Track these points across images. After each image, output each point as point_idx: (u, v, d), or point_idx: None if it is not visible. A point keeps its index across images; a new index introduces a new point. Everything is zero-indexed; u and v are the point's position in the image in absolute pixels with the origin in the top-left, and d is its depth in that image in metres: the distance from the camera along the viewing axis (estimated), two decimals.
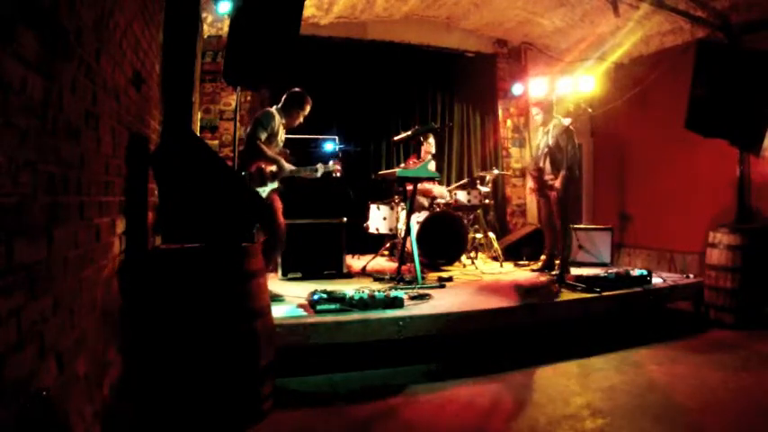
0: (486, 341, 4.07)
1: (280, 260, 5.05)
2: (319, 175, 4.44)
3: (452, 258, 6.07)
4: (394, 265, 5.62)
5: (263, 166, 4.08)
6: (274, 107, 4.34)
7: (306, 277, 5.09)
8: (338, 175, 4.58)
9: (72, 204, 1.74)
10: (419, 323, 3.70)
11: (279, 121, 4.24)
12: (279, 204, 4.19)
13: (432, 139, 6.37)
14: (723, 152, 5.48)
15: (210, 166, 2.95)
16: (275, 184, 4.17)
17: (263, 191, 4.08)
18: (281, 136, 4.33)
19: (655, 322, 4.98)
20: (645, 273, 4.97)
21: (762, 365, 3.81)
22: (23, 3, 1.29)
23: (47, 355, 1.47)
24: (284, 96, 4.40)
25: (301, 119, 4.44)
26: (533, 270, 5.82)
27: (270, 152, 4.10)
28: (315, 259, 5.25)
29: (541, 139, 5.64)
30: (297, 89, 4.42)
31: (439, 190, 6.52)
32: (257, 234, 4.45)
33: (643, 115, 7.07)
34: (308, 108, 4.41)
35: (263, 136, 4.09)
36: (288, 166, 4.22)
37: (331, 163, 4.57)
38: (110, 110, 2.19)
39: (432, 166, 5.82)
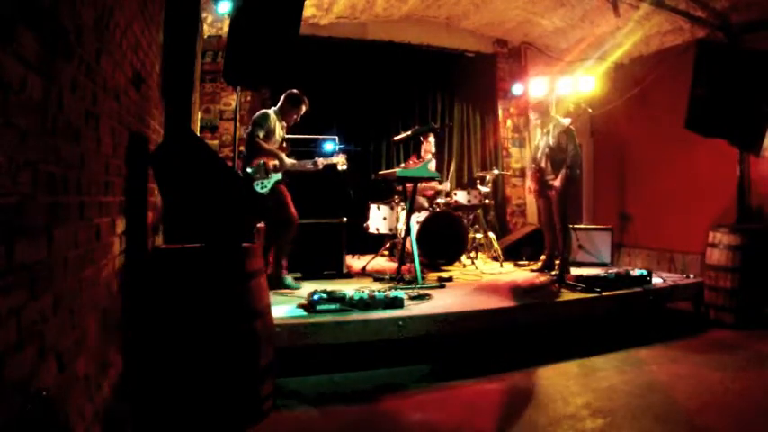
0: (485, 341, 4.07)
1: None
2: (321, 167, 4.66)
3: (452, 258, 6.07)
4: (394, 265, 5.62)
5: (265, 160, 4.35)
6: (272, 108, 4.59)
7: (306, 277, 5.09)
8: (344, 167, 4.78)
9: (72, 204, 1.74)
10: (419, 323, 3.70)
11: (275, 120, 4.50)
12: (287, 194, 4.45)
13: (432, 138, 6.39)
14: (723, 152, 5.48)
15: (210, 166, 2.95)
16: (279, 176, 4.43)
17: (268, 182, 4.33)
18: (279, 134, 4.55)
19: (655, 322, 4.98)
20: (645, 273, 4.97)
21: (762, 365, 3.81)
22: (23, 3, 1.29)
23: (47, 355, 1.47)
24: (282, 97, 4.62)
25: (297, 117, 4.66)
26: (533, 270, 5.82)
27: (268, 147, 4.40)
28: (315, 259, 5.25)
29: (541, 139, 5.63)
30: (294, 91, 4.63)
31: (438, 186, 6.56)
32: (265, 226, 4.63)
33: (643, 115, 7.07)
34: (303, 108, 4.63)
35: (261, 134, 4.38)
36: (288, 160, 4.47)
37: (335, 157, 4.76)
38: (110, 110, 2.19)
39: (432, 165, 5.82)
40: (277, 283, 4.38)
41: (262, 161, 4.32)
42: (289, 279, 4.43)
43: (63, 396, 1.58)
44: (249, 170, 4.28)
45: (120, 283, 2.46)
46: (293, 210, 4.45)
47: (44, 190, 1.47)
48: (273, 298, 3.68)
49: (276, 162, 4.39)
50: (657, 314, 5.11)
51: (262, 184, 4.29)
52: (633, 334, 4.52)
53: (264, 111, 4.54)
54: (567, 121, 5.47)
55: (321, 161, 4.68)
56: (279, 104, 4.61)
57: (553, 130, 5.44)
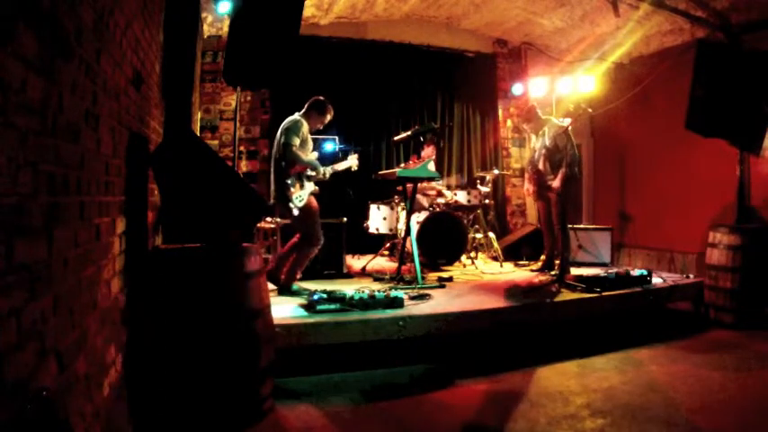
0: (485, 341, 4.07)
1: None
2: (356, 163, 4.86)
3: (452, 258, 6.07)
4: (394, 265, 5.62)
5: (300, 170, 4.29)
6: (297, 114, 4.45)
7: (306, 277, 5.09)
8: (356, 168, 4.97)
9: (72, 204, 1.74)
10: (419, 323, 3.70)
11: (306, 126, 4.40)
12: (315, 204, 4.40)
13: (433, 146, 6.39)
14: (723, 152, 5.48)
15: (210, 167, 2.95)
16: (312, 186, 4.38)
17: (304, 194, 4.27)
18: (310, 141, 4.47)
19: (655, 322, 4.98)
20: (645, 273, 4.97)
21: (761, 365, 3.81)
22: (23, 2, 1.29)
23: (47, 355, 1.47)
24: (307, 103, 4.52)
25: (321, 126, 4.60)
26: (533, 270, 5.82)
27: (305, 157, 4.33)
28: (315, 259, 5.24)
29: (537, 141, 5.62)
30: (320, 97, 4.56)
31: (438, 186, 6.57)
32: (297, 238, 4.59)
33: (643, 115, 7.07)
34: (328, 116, 4.58)
35: (297, 142, 4.26)
36: (323, 168, 4.47)
37: (348, 159, 4.88)
38: (110, 110, 2.19)
39: (431, 166, 5.83)
40: (284, 291, 4.36)
41: (298, 172, 4.25)
42: (296, 286, 4.41)
43: (63, 396, 1.58)
44: (288, 181, 4.20)
45: (120, 283, 2.46)
46: (320, 229, 4.40)
47: (44, 190, 1.47)
48: (273, 298, 3.68)
49: (310, 171, 4.34)
50: (657, 314, 5.11)
51: (299, 197, 4.21)
52: (633, 334, 4.52)
53: (297, 118, 4.36)
54: (566, 122, 5.46)
55: (352, 156, 4.85)
56: (304, 110, 4.47)
57: (548, 131, 5.43)
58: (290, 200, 4.19)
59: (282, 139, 4.26)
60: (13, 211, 1.27)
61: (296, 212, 4.22)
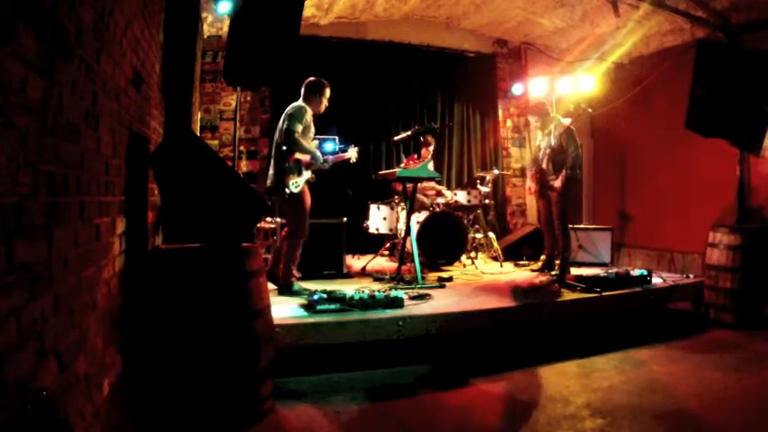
0: (486, 341, 4.07)
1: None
2: (355, 155, 4.84)
3: (452, 258, 6.07)
4: (394, 265, 5.62)
5: (299, 157, 4.29)
6: (300, 101, 4.45)
7: (306, 277, 5.09)
8: (355, 160, 4.94)
9: (72, 204, 1.73)
10: (419, 323, 3.70)
11: (310, 113, 4.40)
12: (308, 197, 4.41)
13: (431, 147, 6.38)
14: (723, 152, 5.48)
15: (210, 166, 2.95)
16: (309, 174, 4.39)
17: (300, 181, 4.29)
18: (312, 128, 4.48)
19: (655, 322, 4.98)
20: (645, 273, 4.97)
21: (762, 365, 3.81)
22: (23, 2, 1.29)
23: (47, 355, 1.47)
24: (303, 88, 4.51)
25: (326, 102, 4.57)
26: (533, 270, 5.82)
27: (306, 144, 4.32)
28: (315, 259, 5.25)
29: (542, 140, 5.62)
30: (312, 78, 4.54)
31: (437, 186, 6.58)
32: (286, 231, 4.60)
33: (643, 115, 7.07)
34: (327, 91, 4.55)
35: (300, 129, 4.26)
36: (322, 158, 4.46)
37: (348, 151, 4.86)
38: (110, 110, 2.18)
39: (431, 165, 5.83)
40: (284, 291, 4.36)
41: (297, 159, 4.26)
42: (296, 286, 4.41)
43: (63, 396, 1.58)
44: (286, 166, 4.22)
45: (120, 283, 2.46)
46: (307, 224, 4.38)
47: (44, 190, 1.47)
48: (273, 298, 3.68)
49: (308, 158, 4.33)
50: (657, 314, 5.11)
51: (296, 183, 4.23)
52: (633, 334, 4.53)
53: (300, 104, 4.37)
54: (567, 121, 5.47)
55: (352, 149, 4.82)
56: (303, 96, 4.46)
57: (554, 131, 5.43)
58: (286, 185, 4.21)
59: (285, 125, 4.27)
60: (13, 211, 1.27)
61: (288, 196, 4.24)
